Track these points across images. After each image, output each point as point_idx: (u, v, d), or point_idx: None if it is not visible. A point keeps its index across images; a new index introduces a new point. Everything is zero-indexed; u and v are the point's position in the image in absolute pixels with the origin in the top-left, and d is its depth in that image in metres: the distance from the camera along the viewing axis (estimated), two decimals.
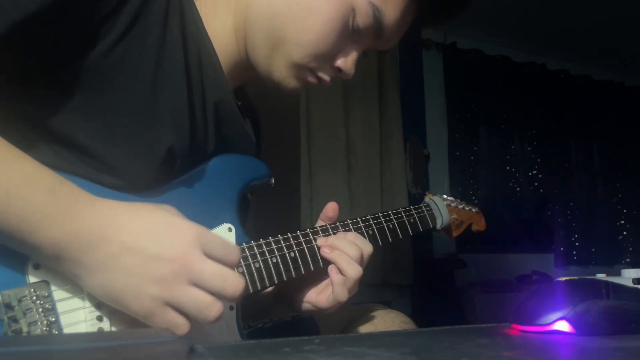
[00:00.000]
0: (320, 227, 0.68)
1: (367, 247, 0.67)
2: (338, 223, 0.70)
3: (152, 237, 0.47)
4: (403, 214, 0.78)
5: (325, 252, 0.65)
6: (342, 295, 0.65)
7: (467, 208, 0.91)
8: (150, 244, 0.47)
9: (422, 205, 0.83)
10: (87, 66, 0.50)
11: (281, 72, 0.64)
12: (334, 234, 0.68)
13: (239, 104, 0.68)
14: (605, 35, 3.34)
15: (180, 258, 0.47)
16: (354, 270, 0.64)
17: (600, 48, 3.51)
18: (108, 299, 0.48)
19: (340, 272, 0.65)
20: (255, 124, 0.78)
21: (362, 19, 0.61)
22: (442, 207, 0.85)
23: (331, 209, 0.72)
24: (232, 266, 0.51)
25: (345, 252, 0.65)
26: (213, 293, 0.48)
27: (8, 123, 0.50)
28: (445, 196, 0.88)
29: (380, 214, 0.75)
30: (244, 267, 0.59)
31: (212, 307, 0.47)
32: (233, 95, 0.66)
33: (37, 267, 0.49)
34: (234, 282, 0.49)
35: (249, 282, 0.59)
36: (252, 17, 0.62)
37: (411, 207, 0.81)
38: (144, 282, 0.46)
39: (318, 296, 0.69)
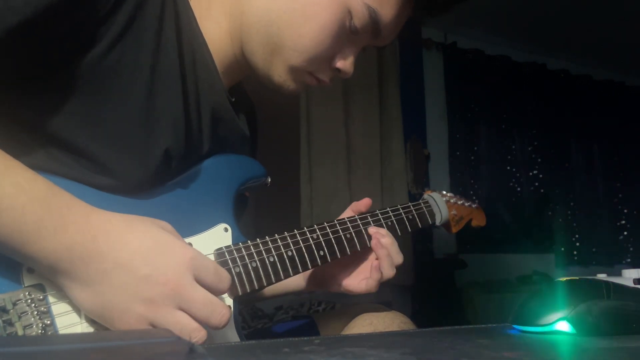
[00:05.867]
0: (318, 225, 0.68)
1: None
2: (336, 221, 0.70)
3: (147, 257, 0.47)
4: (401, 211, 0.78)
5: (377, 247, 0.71)
6: (375, 287, 0.72)
7: (466, 204, 0.91)
8: (144, 264, 0.46)
9: (420, 201, 0.83)
10: (83, 69, 0.49)
11: (280, 76, 0.64)
12: (332, 232, 0.68)
13: (233, 99, 0.68)
14: (605, 36, 3.34)
15: (171, 282, 0.47)
16: (391, 273, 0.72)
17: (600, 48, 3.51)
18: (94, 313, 0.47)
19: (381, 269, 0.71)
20: (251, 118, 0.78)
21: (359, 20, 0.61)
22: (440, 203, 0.84)
23: (364, 204, 0.77)
24: (221, 293, 0.51)
25: (392, 256, 0.71)
26: (198, 320, 0.48)
27: (4, 127, 0.50)
28: (444, 192, 0.88)
29: (378, 212, 0.75)
30: (240, 266, 0.59)
31: (195, 334, 0.47)
32: (227, 94, 0.66)
33: (31, 270, 0.48)
34: (220, 313, 0.48)
35: (246, 282, 0.59)
36: (248, 23, 0.62)
37: (409, 203, 0.80)
38: (132, 300, 0.46)
39: (347, 281, 0.74)
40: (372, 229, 0.72)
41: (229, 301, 0.58)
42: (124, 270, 0.46)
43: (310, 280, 0.79)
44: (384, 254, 0.71)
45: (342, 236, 0.69)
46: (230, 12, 0.64)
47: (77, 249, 0.45)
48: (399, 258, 0.72)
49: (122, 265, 0.46)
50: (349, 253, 0.70)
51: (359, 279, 0.74)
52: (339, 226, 0.70)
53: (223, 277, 0.51)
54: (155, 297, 0.46)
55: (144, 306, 0.46)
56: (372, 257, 0.74)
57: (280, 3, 0.60)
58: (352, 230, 0.71)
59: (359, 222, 0.72)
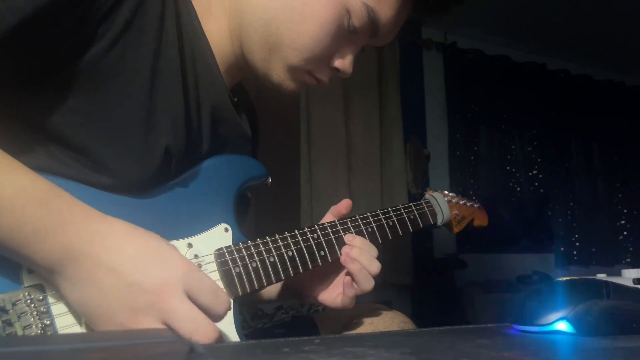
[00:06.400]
0: (318, 225, 0.68)
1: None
2: (337, 221, 0.70)
3: (138, 264, 0.46)
4: (403, 211, 0.77)
5: (347, 262, 0.66)
6: (351, 303, 0.68)
7: (468, 204, 0.90)
8: (134, 270, 0.45)
9: (422, 201, 0.83)
10: (83, 68, 0.49)
11: (279, 75, 0.64)
12: (333, 232, 0.68)
13: (235, 99, 0.68)
14: (605, 36, 3.34)
15: (157, 291, 0.45)
16: (369, 286, 0.67)
17: (600, 48, 3.51)
18: (83, 314, 0.47)
19: (356, 283, 0.67)
20: (252, 118, 0.78)
21: (358, 20, 0.61)
22: (442, 203, 0.84)
23: (345, 206, 0.73)
24: (217, 317, 0.48)
25: (366, 268, 0.66)
26: (181, 336, 0.45)
27: (5, 126, 0.50)
28: (446, 192, 0.88)
29: (379, 211, 0.75)
30: (240, 267, 0.59)
31: None
32: (229, 93, 0.66)
33: (31, 270, 0.48)
34: (205, 332, 0.45)
35: (246, 282, 0.59)
36: (247, 22, 0.62)
37: (411, 203, 0.80)
38: (116, 307, 0.45)
39: (324, 295, 0.71)
40: (346, 238, 0.68)
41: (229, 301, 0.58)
42: (114, 274, 0.45)
43: (284, 291, 0.77)
44: (356, 268, 0.66)
45: (343, 236, 0.69)
46: (230, 11, 0.64)
47: (73, 249, 0.45)
48: (374, 268, 0.67)
49: (113, 270, 0.45)
50: None
51: (335, 294, 0.70)
52: (340, 226, 0.69)
53: (221, 300, 0.48)
54: (139, 306, 0.45)
55: (126, 314, 0.45)
56: (347, 277, 0.68)
57: (279, 1, 0.60)
58: (353, 231, 0.70)
59: (360, 222, 0.72)
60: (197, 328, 0.45)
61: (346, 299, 0.67)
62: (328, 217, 0.74)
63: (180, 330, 0.45)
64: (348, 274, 0.67)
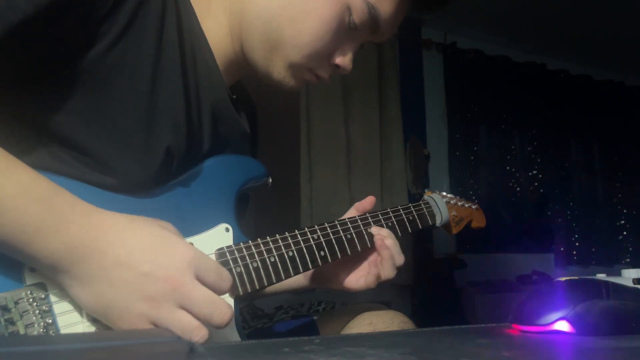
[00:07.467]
0: (318, 225, 0.68)
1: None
2: (337, 221, 0.70)
3: (147, 255, 0.46)
4: (402, 212, 0.78)
5: (382, 248, 0.71)
6: (374, 283, 0.72)
7: (466, 205, 0.91)
8: (144, 261, 0.46)
9: (421, 202, 0.83)
10: (85, 67, 0.50)
11: (280, 72, 0.64)
12: (333, 232, 0.68)
13: (234, 97, 0.68)
14: (605, 35, 3.34)
15: (172, 279, 0.46)
16: (392, 274, 0.72)
17: (600, 48, 3.51)
18: (96, 311, 0.47)
19: (381, 269, 0.71)
20: (251, 116, 0.78)
21: (359, 17, 0.62)
22: (441, 204, 0.84)
23: (369, 202, 0.77)
24: (223, 293, 0.50)
25: (394, 257, 0.71)
26: (200, 318, 0.47)
27: (6, 126, 0.50)
28: (444, 193, 0.88)
29: (379, 212, 0.75)
30: (241, 266, 0.59)
31: (196, 332, 0.46)
32: (228, 91, 0.66)
33: (33, 269, 0.48)
34: (222, 311, 0.48)
35: (247, 282, 0.59)
36: (248, 20, 0.62)
37: (410, 204, 0.80)
38: (133, 298, 0.45)
39: (348, 278, 0.75)
40: (374, 229, 0.72)
41: (230, 301, 0.58)
42: (124, 267, 0.46)
43: (312, 277, 0.79)
44: (388, 255, 0.70)
45: (343, 237, 0.69)
46: (230, 10, 0.64)
47: (78, 248, 0.45)
48: (400, 259, 0.72)
49: (122, 263, 0.46)
50: (349, 254, 0.70)
51: (358, 277, 0.74)
52: (340, 227, 0.70)
53: (224, 277, 0.50)
54: (156, 295, 0.46)
55: (144, 304, 0.46)
56: (373, 257, 0.73)
57: None
58: (352, 231, 0.71)
59: (360, 222, 0.72)
60: (214, 309, 0.47)
61: (370, 278, 0.71)
62: (351, 212, 0.77)
63: (200, 313, 0.47)
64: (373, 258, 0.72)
